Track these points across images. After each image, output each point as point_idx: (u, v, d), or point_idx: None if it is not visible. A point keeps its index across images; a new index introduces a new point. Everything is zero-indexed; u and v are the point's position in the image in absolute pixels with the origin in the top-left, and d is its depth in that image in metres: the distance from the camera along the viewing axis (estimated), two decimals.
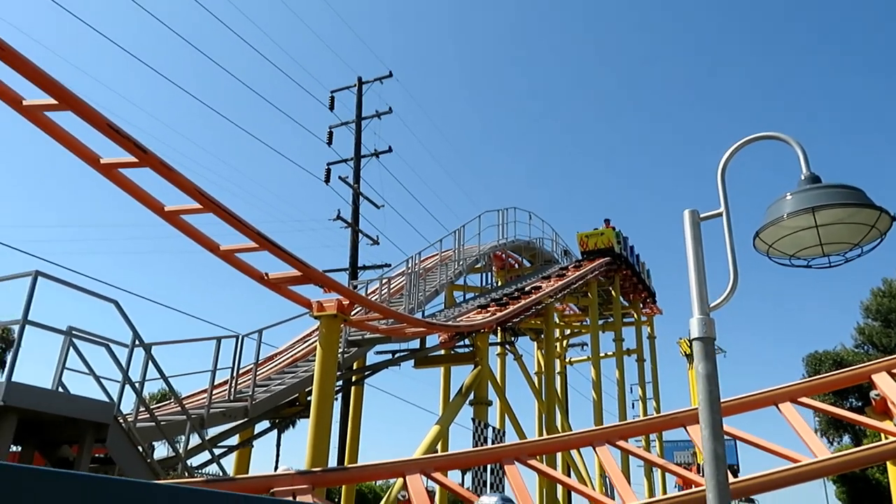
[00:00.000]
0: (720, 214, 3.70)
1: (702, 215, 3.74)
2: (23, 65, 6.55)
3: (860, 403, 33.28)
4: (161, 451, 12.36)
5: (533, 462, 7.74)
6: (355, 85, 25.53)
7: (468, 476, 15.23)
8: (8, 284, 8.67)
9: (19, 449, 9.39)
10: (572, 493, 24.40)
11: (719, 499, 3.32)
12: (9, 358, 8.05)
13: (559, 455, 19.67)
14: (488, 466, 14.69)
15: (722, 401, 4.84)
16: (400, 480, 11.58)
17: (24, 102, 7.37)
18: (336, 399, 13.45)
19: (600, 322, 28.69)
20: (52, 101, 7.11)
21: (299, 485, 6.24)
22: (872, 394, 7.75)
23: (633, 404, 32.87)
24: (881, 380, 7.86)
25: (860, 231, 3.36)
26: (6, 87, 7.24)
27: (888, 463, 7.61)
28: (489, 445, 15.56)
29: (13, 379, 7.72)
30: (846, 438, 36.64)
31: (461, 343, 17.10)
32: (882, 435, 7.45)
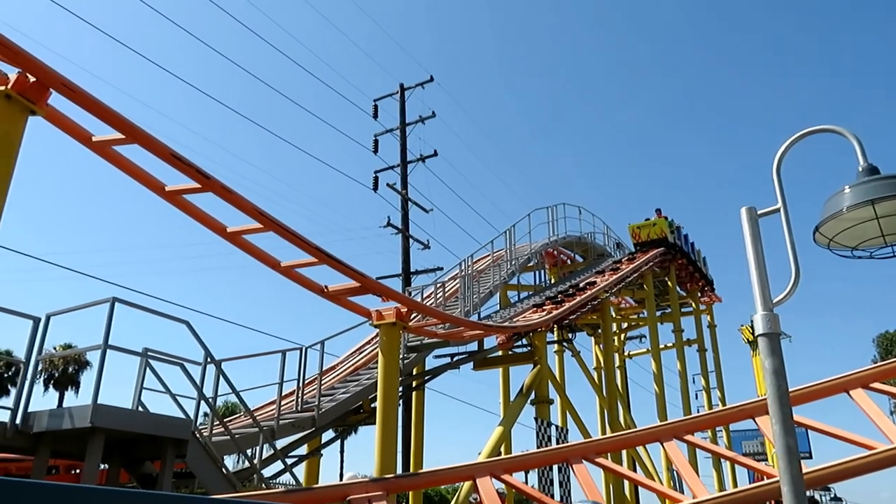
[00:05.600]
0: (777, 210, 3.72)
1: (759, 212, 3.77)
2: (92, 105, 6.92)
3: None
4: (229, 462, 12.79)
5: (600, 460, 7.78)
6: (397, 92, 25.85)
7: (532, 475, 15.27)
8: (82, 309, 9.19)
9: (106, 467, 9.88)
10: (639, 487, 24.21)
11: (794, 493, 3.35)
12: (92, 381, 8.48)
13: (623, 451, 19.52)
14: (555, 465, 14.70)
15: (791, 390, 4.80)
16: (468, 483, 11.75)
17: (94, 139, 7.79)
18: (398, 405, 13.69)
19: (658, 313, 28.26)
20: (120, 136, 7.49)
21: (373, 492, 6.44)
22: None
23: (696, 395, 32.18)
24: None
25: None
26: (77, 126, 7.67)
27: None
28: (553, 444, 15.59)
29: (98, 401, 8.15)
30: None
31: (519, 343, 17.15)
32: None
